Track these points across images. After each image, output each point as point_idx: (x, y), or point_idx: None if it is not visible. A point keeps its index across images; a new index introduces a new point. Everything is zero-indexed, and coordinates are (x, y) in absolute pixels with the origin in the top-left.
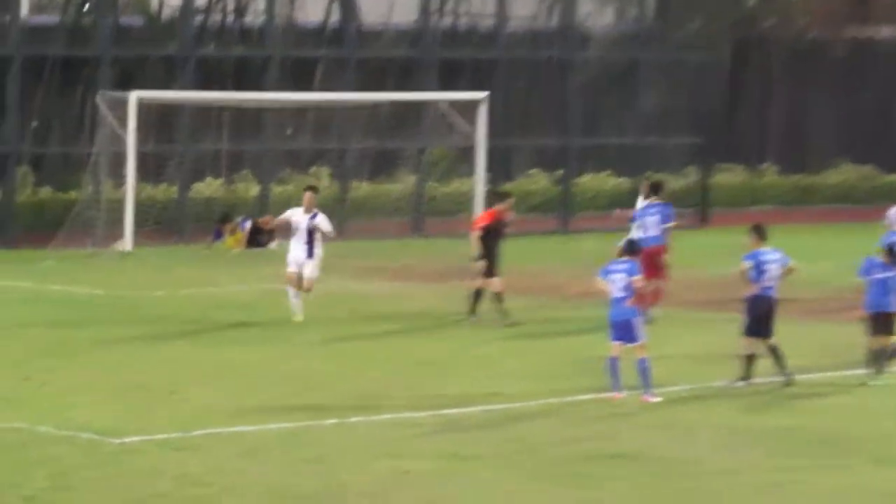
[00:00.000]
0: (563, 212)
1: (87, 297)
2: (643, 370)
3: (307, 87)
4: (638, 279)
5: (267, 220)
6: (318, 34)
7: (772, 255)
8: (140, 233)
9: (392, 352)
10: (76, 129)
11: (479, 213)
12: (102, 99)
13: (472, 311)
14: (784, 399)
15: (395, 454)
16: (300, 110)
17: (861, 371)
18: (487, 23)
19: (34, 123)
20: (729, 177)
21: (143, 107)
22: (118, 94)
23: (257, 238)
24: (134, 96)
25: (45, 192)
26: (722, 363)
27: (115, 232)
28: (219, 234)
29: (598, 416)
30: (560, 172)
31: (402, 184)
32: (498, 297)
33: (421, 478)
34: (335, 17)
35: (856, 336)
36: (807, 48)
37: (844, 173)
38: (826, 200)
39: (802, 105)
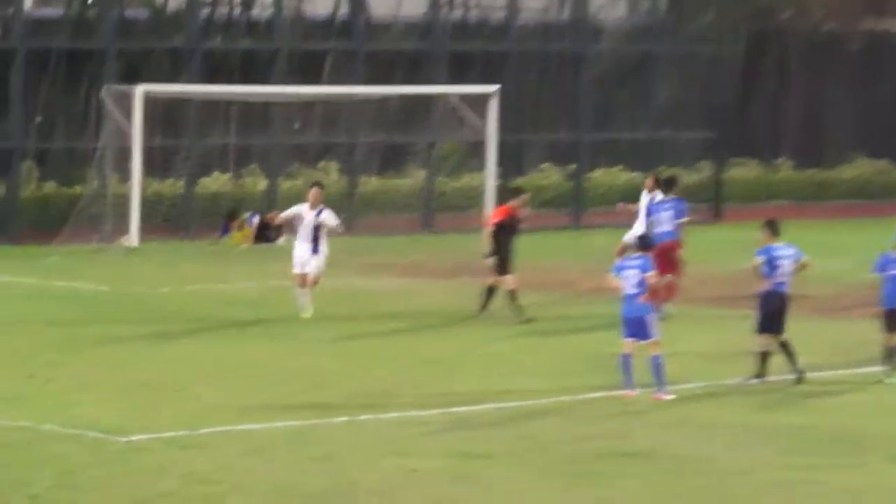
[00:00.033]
0: (575, 207)
1: (92, 294)
2: (656, 367)
3: (315, 81)
4: (651, 275)
5: (273, 216)
6: (327, 27)
7: (785, 251)
8: (146, 228)
9: (401, 349)
10: (81, 123)
11: (490, 208)
12: (108, 93)
13: (484, 307)
14: (798, 397)
15: (404, 452)
16: (308, 104)
17: (876, 368)
18: (498, 15)
19: (38, 118)
20: (743, 171)
21: (149, 101)
22: (124, 87)
23: (265, 233)
24: (140, 90)
25: (50, 187)
26: (736, 360)
27: (121, 227)
28: (226, 230)
29: (610, 414)
30: (572, 167)
31: (412, 179)
32: (512, 294)
33: (430, 476)
34: (344, 9)
35: (870, 333)
36: (823, 41)
37: (860, 168)
38: (841, 195)
39: (818, 99)
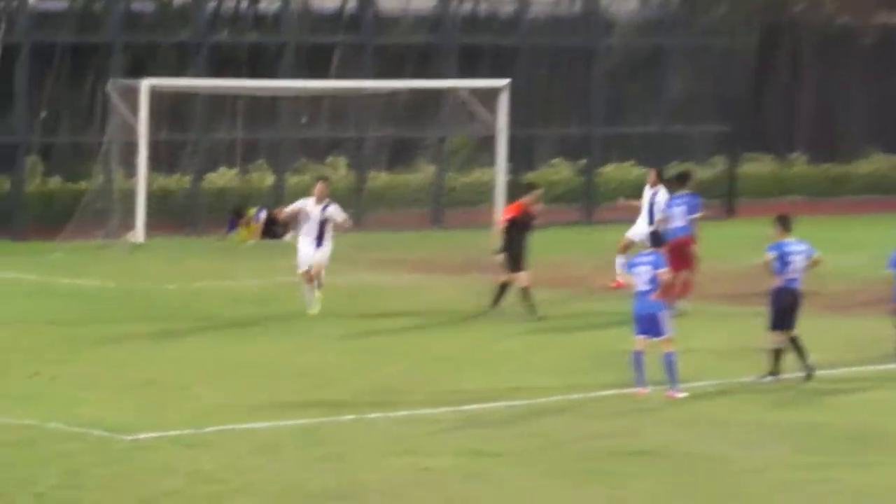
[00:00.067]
0: (586, 202)
1: (97, 291)
2: (669, 365)
3: (323, 75)
4: (664, 272)
5: (279, 211)
6: (335, 20)
7: (796, 247)
8: (152, 224)
9: (410, 346)
10: (86, 117)
11: (501, 204)
12: (113, 87)
13: (495, 304)
14: (812, 394)
15: (414, 451)
16: (316, 98)
17: (892, 366)
18: (508, 8)
19: (43, 112)
20: (756, 166)
21: (155, 95)
22: (129, 81)
23: (273, 229)
24: (146, 84)
25: (55, 182)
26: (749, 358)
27: (127, 223)
28: (232, 226)
29: (621, 412)
30: (583, 162)
31: (421, 174)
32: (525, 291)
33: (440, 475)
34: (352, 2)
35: (885, 330)
36: (837, 34)
37: (875, 163)
38: (856, 191)
39: (832, 92)
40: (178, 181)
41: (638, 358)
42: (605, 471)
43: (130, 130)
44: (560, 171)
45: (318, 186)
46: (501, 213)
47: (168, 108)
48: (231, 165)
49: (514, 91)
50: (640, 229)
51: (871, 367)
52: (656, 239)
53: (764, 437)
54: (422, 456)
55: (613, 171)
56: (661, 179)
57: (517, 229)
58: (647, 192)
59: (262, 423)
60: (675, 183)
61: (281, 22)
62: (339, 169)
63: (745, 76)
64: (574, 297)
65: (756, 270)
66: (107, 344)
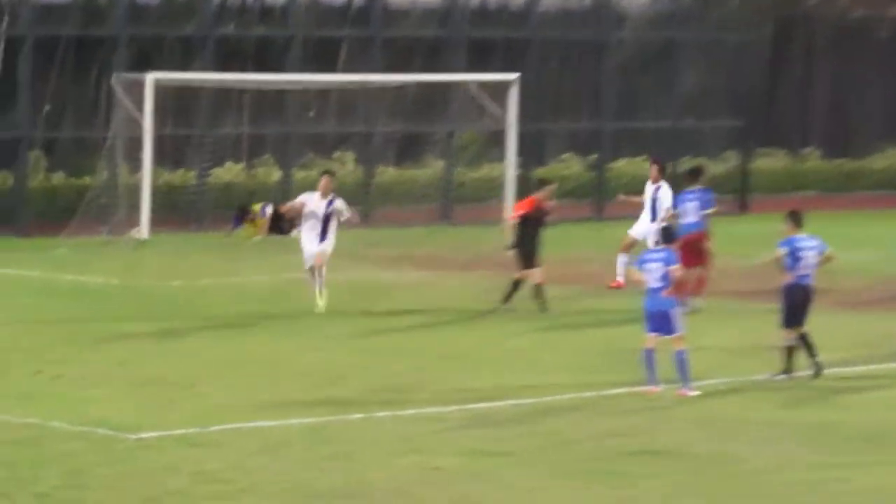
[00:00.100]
0: (597, 198)
1: (102, 287)
2: (680, 363)
3: (331, 69)
4: (675, 268)
5: (284, 205)
6: (343, 13)
7: (808, 242)
8: (157, 220)
9: (418, 344)
10: (90, 112)
11: (510, 199)
12: (118, 81)
13: (506, 300)
14: (826, 393)
15: (422, 450)
16: (323, 92)
17: None
18: (518, 1)
19: (47, 107)
20: (770, 161)
21: (161, 89)
22: (134, 75)
23: (279, 225)
24: (151, 78)
25: (58, 177)
26: (762, 356)
27: (131, 219)
28: (238, 222)
29: (632, 411)
30: (594, 157)
31: (430, 169)
32: (538, 288)
33: (449, 475)
34: None
35: None
36: (851, 27)
37: (890, 158)
38: (871, 186)
39: (847, 87)
40: (184, 176)
41: (649, 356)
42: (615, 470)
43: (135, 125)
44: (570, 166)
45: (323, 181)
46: (514, 208)
47: (173, 103)
48: (237, 160)
49: (525, 85)
50: (642, 227)
51: (884, 366)
52: (668, 235)
53: (777, 436)
54: (429, 455)
55: (625, 167)
56: (662, 175)
57: (530, 225)
58: (649, 189)
59: (269, 422)
60: (688, 178)
61: (288, 15)
62: (346, 164)
63: (759, 70)
64: (585, 294)
65: (763, 266)
66: (110, 342)
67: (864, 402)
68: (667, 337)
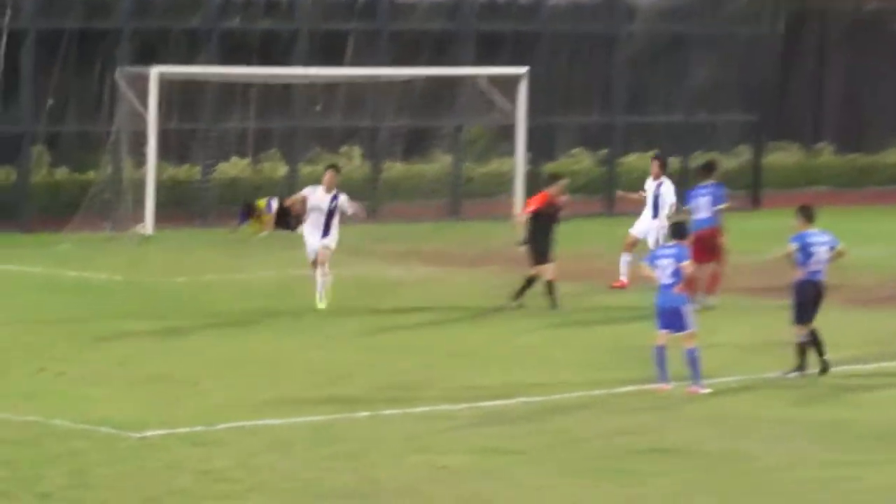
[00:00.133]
0: (607, 193)
1: (105, 283)
2: (692, 360)
3: (337, 62)
4: (687, 265)
5: (289, 200)
6: (349, 6)
7: (819, 238)
8: (161, 215)
9: (426, 341)
10: (94, 106)
11: (519, 195)
12: (122, 74)
13: (517, 296)
14: (838, 391)
15: (430, 449)
16: (330, 86)
17: None
18: None
19: (50, 101)
20: (782, 156)
21: (165, 83)
22: (138, 69)
23: (286, 220)
24: (155, 71)
25: (62, 172)
26: (774, 353)
27: (135, 214)
28: (244, 217)
29: (643, 409)
30: (604, 152)
31: (438, 164)
32: (550, 284)
33: (457, 473)
34: None
35: None
36: (865, 20)
37: None
38: (884, 181)
39: (860, 80)
40: (189, 171)
41: (660, 353)
42: (625, 469)
43: (139, 119)
44: (581, 160)
45: (328, 175)
46: (525, 204)
47: (178, 97)
48: (243, 155)
49: (534, 79)
50: (643, 224)
51: None
52: (680, 231)
53: (789, 434)
54: (438, 453)
55: (636, 161)
56: (664, 171)
57: (542, 221)
58: (651, 185)
59: (275, 420)
60: (701, 173)
61: (294, 8)
62: (353, 158)
63: (771, 64)
64: (595, 291)
65: (775, 261)
66: (114, 339)
67: (877, 399)
68: (678, 334)
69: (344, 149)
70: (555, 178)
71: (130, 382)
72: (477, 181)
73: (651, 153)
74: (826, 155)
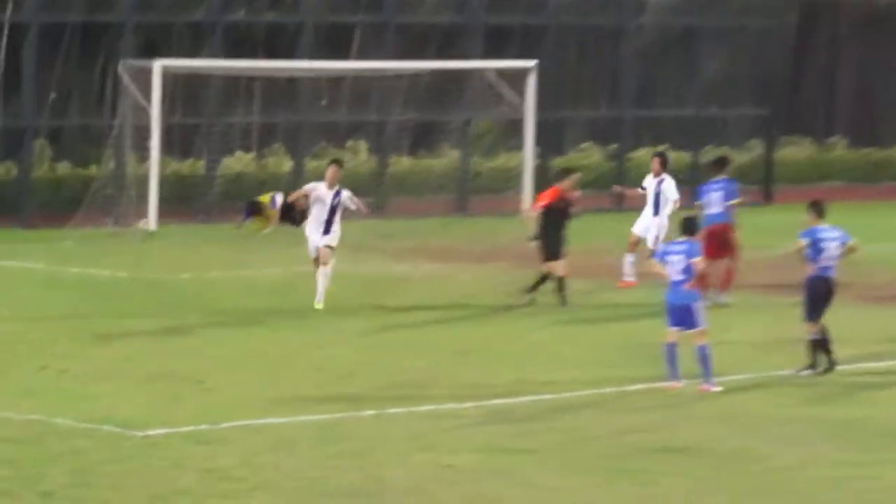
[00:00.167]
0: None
1: (109, 280)
2: (703, 358)
3: (343, 56)
4: (698, 261)
5: (292, 196)
6: None
7: (830, 233)
8: (165, 211)
9: (433, 339)
10: (97, 100)
11: (528, 190)
12: (125, 68)
13: (530, 291)
14: (850, 389)
15: (436, 448)
16: (336, 80)
17: None
18: None
19: (52, 95)
20: (795, 151)
21: (169, 76)
22: (142, 62)
23: (291, 215)
24: (158, 65)
25: (64, 167)
26: (786, 350)
27: (139, 210)
28: (249, 213)
29: (653, 407)
30: (614, 146)
31: (445, 159)
32: (560, 281)
33: (464, 473)
34: None
35: None
36: (878, 13)
37: None
38: None
39: (874, 74)
40: (192, 166)
41: (671, 350)
42: (635, 468)
43: (143, 113)
44: (590, 155)
45: (330, 170)
46: (537, 199)
47: (182, 91)
48: (247, 150)
49: (542, 72)
50: (644, 222)
51: None
52: (691, 226)
53: (801, 433)
54: (444, 452)
55: (645, 156)
56: (665, 168)
57: (553, 216)
58: (652, 182)
59: (279, 419)
60: (713, 168)
61: (299, 0)
62: (359, 153)
63: (783, 57)
64: (604, 288)
65: (786, 257)
66: (117, 336)
67: (891, 397)
68: (689, 331)
69: (350, 143)
70: (566, 172)
71: (134, 380)
72: (485, 176)
73: (662, 147)
74: (839, 149)
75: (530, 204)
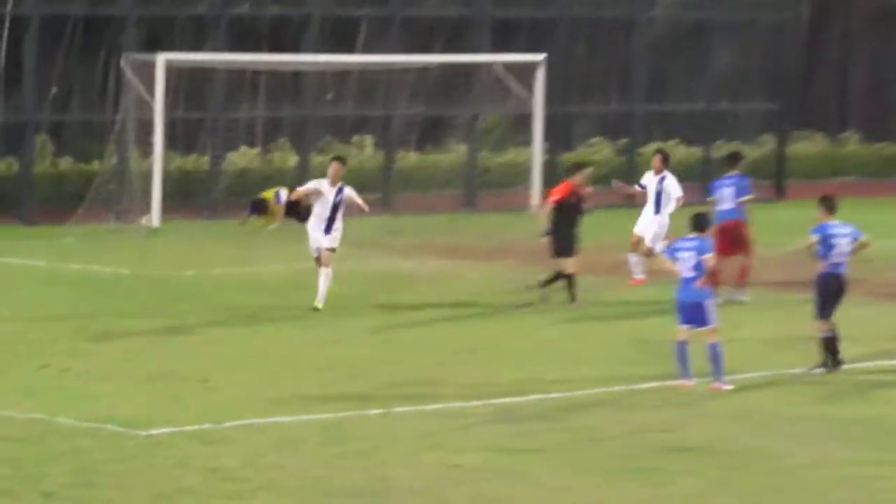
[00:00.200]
0: (627, 183)
1: (111, 277)
2: (714, 356)
3: (349, 49)
4: (709, 257)
5: (294, 195)
6: None
7: (841, 229)
8: (168, 207)
9: (441, 336)
10: (99, 94)
11: (536, 185)
12: (127, 62)
13: (544, 285)
14: (863, 387)
15: (443, 447)
16: (342, 74)
17: None
18: None
19: (53, 89)
20: (807, 146)
21: (172, 70)
22: (145, 56)
23: (296, 209)
24: (162, 59)
25: (66, 162)
26: (798, 348)
27: (141, 206)
28: (253, 209)
29: (664, 406)
30: (624, 141)
31: (453, 154)
32: (570, 279)
33: (471, 473)
34: None
35: None
36: (891, 6)
37: None
38: None
39: (887, 68)
40: (196, 162)
41: (681, 348)
42: (645, 467)
43: (145, 108)
44: (600, 150)
45: (333, 167)
46: (549, 194)
47: (185, 85)
48: (252, 145)
49: (551, 66)
50: (645, 220)
51: None
52: (701, 222)
53: (813, 431)
54: (451, 452)
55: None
56: (666, 165)
57: (565, 212)
58: (653, 179)
59: (284, 418)
60: (726, 163)
61: None
62: (365, 148)
63: (795, 51)
64: (614, 284)
65: (797, 253)
66: (120, 334)
67: None
68: (700, 329)
69: (356, 138)
70: (578, 167)
71: (136, 379)
72: (493, 172)
73: (675, 142)
74: (852, 144)
75: (541, 199)
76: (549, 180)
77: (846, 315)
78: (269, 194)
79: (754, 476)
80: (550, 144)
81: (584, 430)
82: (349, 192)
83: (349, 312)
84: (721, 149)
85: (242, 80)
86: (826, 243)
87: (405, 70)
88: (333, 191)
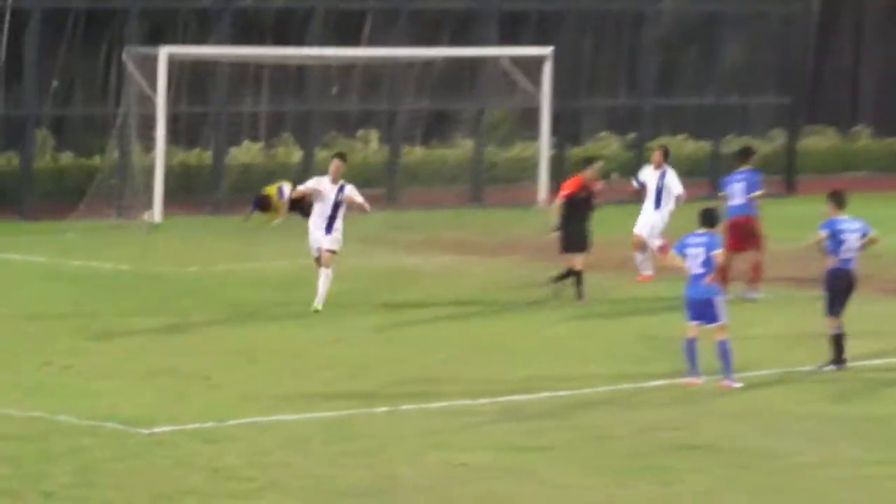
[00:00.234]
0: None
1: (112, 273)
2: (723, 353)
3: (354, 42)
4: (719, 253)
5: (296, 193)
6: None
7: (850, 224)
8: (170, 202)
9: (447, 333)
10: (100, 88)
11: (544, 180)
12: (129, 55)
13: (556, 280)
14: (874, 385)
15: (450, 445)
16: (347, 67)
17: None
18: None
19: (54, 83)
20: (818, 140)
21: (175, 64)
22: (147, 49)
23: (300, 205)
24: (164, 52)
25: (66, 157)
26: (808, 346)
27: (143, 201)
28: (257, 205)
29: (673, 403)
30: (632, 135)
31: (459, 148)
32: (578, 275)
33: (478, 471)
34: None
35: None
36: None
37: None
38: None
39: None
40: (199, 156)
41: (690, 346)
42: (655, 466)
43: (148, 102)
44: (608, 144)
45: (334, 164)
46: (560, 188)
47: (188, 78)
48: (255, 139)
49: (559, 60)
50: (645, 217)
51: None
52: (710, 218)
53: (823, 430)
54: (457, 450)
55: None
56: (666, 160)
57: (575, 207)
58: (653, 175)
59: (289, 416)
60: (738, 158)
61: None
62: (370, 143)
63: (806, 44)
64: (622, 281)
65: (806, 249)
66: (121, 331)
67: None
68: (709, 326)
69: (361, 133)
70: (589, 161)
71: (138, 376)
72: (499, 166)
73: (684, 136)
74: (863, 139)
75: (550, 194)
76: (557, 175)
77: (856, 311)
78: (272, 190)
79: (763, 475)
80: (558, 139)
81: (592, 428)
82: (350, 190)
83: (353, 309)
84: (731, 143)
85: (246, 73)
86: (835, 239)
87: (411, 63)
88: (335, 189)
